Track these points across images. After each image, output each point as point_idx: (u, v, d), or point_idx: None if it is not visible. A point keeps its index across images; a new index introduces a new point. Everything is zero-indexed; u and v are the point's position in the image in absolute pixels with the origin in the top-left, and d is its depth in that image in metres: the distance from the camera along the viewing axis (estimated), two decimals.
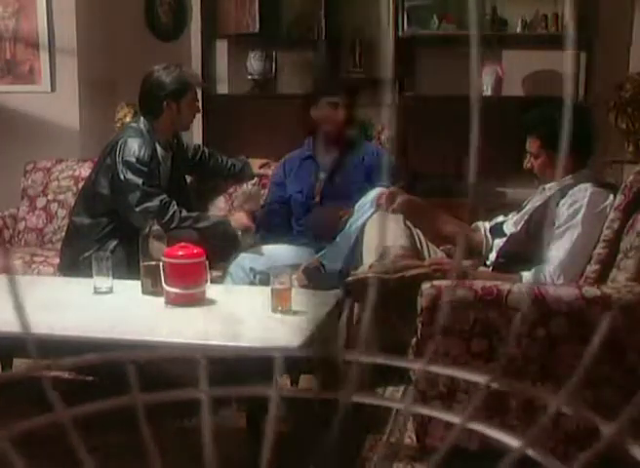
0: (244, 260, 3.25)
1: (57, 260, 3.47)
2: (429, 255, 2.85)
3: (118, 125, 4.10)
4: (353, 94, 3.58)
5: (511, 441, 0.44)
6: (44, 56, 4.32)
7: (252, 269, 3.21)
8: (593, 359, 0.43)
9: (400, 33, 4.83)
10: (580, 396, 2.14)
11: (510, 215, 2.98)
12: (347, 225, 3.07)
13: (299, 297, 2.57)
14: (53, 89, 4.36)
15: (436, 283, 2.31)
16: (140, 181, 3.22)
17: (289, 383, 2.86)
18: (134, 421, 0.49)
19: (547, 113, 2.71)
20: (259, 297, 2.58)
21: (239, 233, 3.38)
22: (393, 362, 0.50)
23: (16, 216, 3.96)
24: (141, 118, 3.38)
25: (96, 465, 0.44)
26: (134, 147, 3.25)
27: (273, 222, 3.51)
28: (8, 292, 0.44)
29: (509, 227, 2.93)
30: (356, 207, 3.09)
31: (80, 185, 3.70)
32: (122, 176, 3.24)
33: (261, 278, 3.12)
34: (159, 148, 3.37)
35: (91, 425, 0.61)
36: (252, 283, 3.17)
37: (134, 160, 3.24)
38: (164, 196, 3.25)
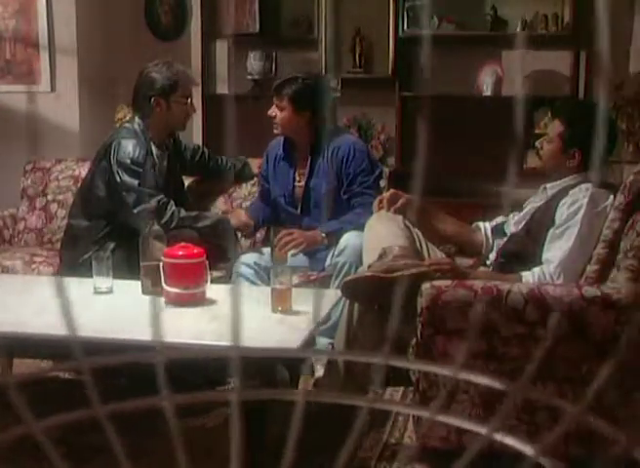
0: (247, 258, 3.31)
1: (57, 260, 3.47)
2: (429, 255, 2.84)
3: (118, 125, 4.10)
4: (284, 94, 3.25)
5: (526, 449, 0.44)
6: (44, 56, 4.31)
7: (256, 263, 3.26)
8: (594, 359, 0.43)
9: (400, 33, 4.83)
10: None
11: (511, 216, 2.98)
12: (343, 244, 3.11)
13: (299, 297, 2.57)
14: (53, 89, 4.35)
15: (436, 283, 2.31)
16: (135, 183, 3.22)
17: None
18: (132, 423, 0.49)
19: (583, 105, 2.73)
20: (259, 297, 2.58)
21: (238, 231, 3.39)
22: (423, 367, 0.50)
23: (15, 216, 3.96)
24: (136, 118, 3.37)
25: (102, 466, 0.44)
26: (128, 148, 3.24)
27: (261, 218, 3.52)
28: (8, 293, 0.44)
29: (510, 227, 2.93)
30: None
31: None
32: (118, 178, 3.23)
33: (264, 276, 3.16)
34: (154, 148, 3.35)
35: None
36: (259, 276, 3.22)
37: (128, 161, 3.23)
38: (161, 196, 3.24)
